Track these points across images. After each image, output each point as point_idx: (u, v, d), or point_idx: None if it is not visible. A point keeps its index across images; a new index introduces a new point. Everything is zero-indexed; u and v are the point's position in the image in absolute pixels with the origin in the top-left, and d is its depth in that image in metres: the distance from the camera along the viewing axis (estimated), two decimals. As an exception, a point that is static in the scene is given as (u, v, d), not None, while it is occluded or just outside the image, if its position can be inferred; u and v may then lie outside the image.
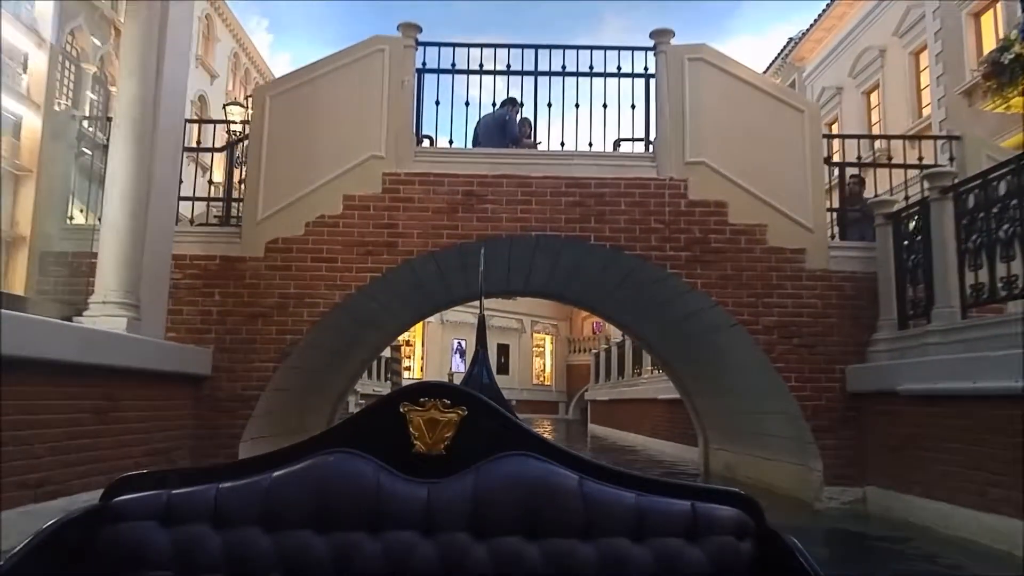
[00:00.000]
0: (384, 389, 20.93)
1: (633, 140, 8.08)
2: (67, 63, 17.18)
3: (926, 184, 6.48)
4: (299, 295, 7.22)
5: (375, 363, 25.02)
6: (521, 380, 39.89)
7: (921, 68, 17.41)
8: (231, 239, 7.35)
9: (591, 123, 7.74)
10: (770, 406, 7.71)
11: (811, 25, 21.72)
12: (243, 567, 1.54)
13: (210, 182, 7.49)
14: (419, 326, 35.48)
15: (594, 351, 27.19)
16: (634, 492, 1.64)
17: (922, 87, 17.33)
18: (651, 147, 7.77)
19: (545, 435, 2.20)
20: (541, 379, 42.63)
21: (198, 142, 7.50)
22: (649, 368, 17.08)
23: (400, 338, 34.92)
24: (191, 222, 7.71)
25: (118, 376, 5.48)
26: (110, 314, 5.74)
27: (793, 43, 22.52)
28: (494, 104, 8.24)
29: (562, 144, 7.80)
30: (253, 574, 1.54)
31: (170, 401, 6.51)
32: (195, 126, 8.52)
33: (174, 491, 1.61)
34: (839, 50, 20.58)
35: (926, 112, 16.64)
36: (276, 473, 1.61)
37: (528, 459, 1.65)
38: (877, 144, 15.17)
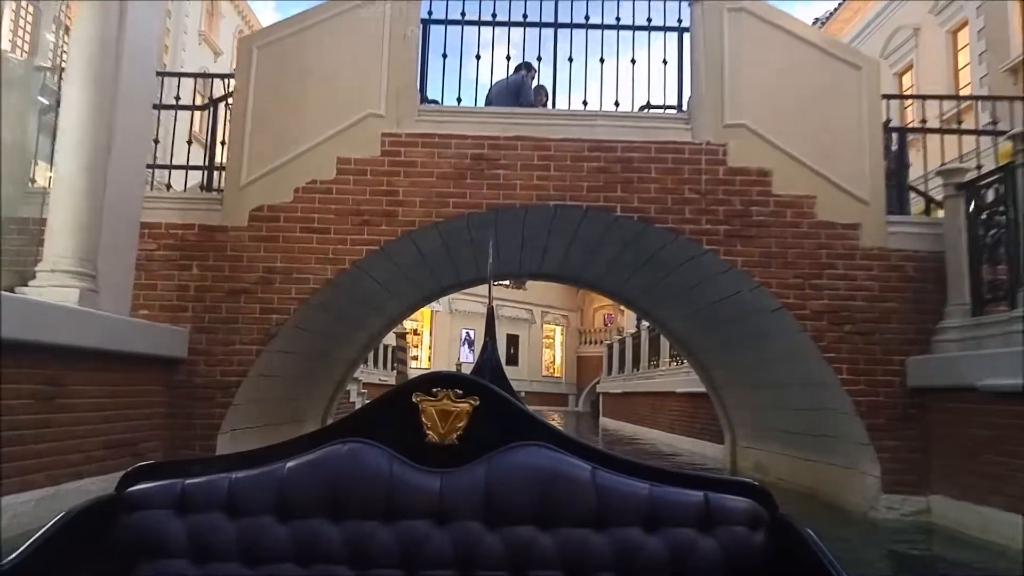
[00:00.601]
0: (390, 378, 20.16)
1: (664, 107, 7.21)
2: (60, 31, 16.40)
3: (1007, 147, 5.60)
4: (286, 269, 6.40)
5: (380, 351, 24.30)
6: (530, 371, 39.14)
7: (960, 47, 16.45)
8: (211, 206, 6.53)
9: (617, 81, 6.88)
10: (816, 401, 6.85)
11: (839, 4, 20.77)
12: (257, 555, 1.57)
13: (189, 142, 6.63)
14: (427, 315, 34.78)
15: (607, 342, 26.35)
16: (647, 482, 1.63)
17: (960, 67, 16.39)
18: (685, 108, 6.89)
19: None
20: (551, 371, 41.87)
21: (177, 98, 6.66)
22: (667, 360, 16.23)
23: (407, 326, 34.20)
24: (168, 187, 6.90)
25: (66, 356, 4.67)
26: (60, 284, 4.93)
27: (820, 24, 21.52)
28: (508, 57, 7.39)
29: (584, 104, 6.93)
30: (267, 562, 1.57)
31: (136, 387, 5.71)
32: (183, 89, 7.65)
33: (188, 480, 1.64)
34: (869, 30, 19.61)
35: (965, 92, 15.66)
36: (290, 462, 1.64)
37: (541, 449, 1.64)
38: (913, 115, 14.20)
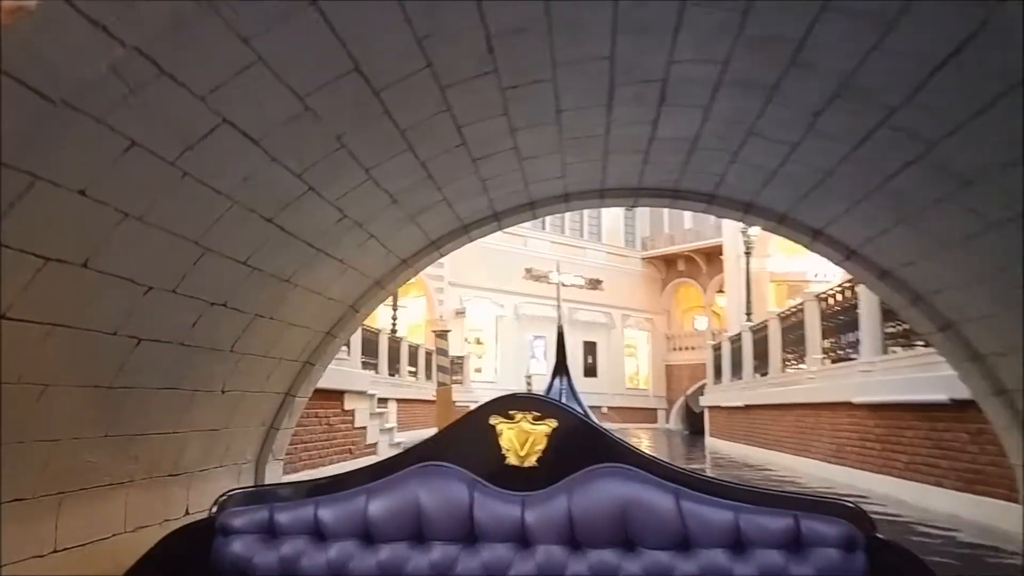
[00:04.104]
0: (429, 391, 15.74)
1: None
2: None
3: None
4: None
5: (430, 359, 20.16)
6: (612, 384, 34.30)
7: None
8: None
9: None
10: None
11: None
12: None
13: None
14: (491, 321, 30.37)
15: (711, 343, 21.32)
16: (733, 503, 1.64)
17: None
18: None
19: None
20: (635, 383, 36.86)
21: None
22: (819, 356, 11.27)
23: (470, 336, 29.82)
24: None
25: None
26: None
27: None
28: None
29: None
30: None
31: None
32: None
33: (277, 506, 1.78)
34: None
35: None
36: (372, 487, 1.76)
37: (622, 471, 1.71)
38: None
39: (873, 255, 5.13)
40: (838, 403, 9.86)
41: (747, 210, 5.38)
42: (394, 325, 19.97)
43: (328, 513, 1.72)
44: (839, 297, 10.53)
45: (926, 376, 7.00)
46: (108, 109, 2.36)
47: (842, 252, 5.27)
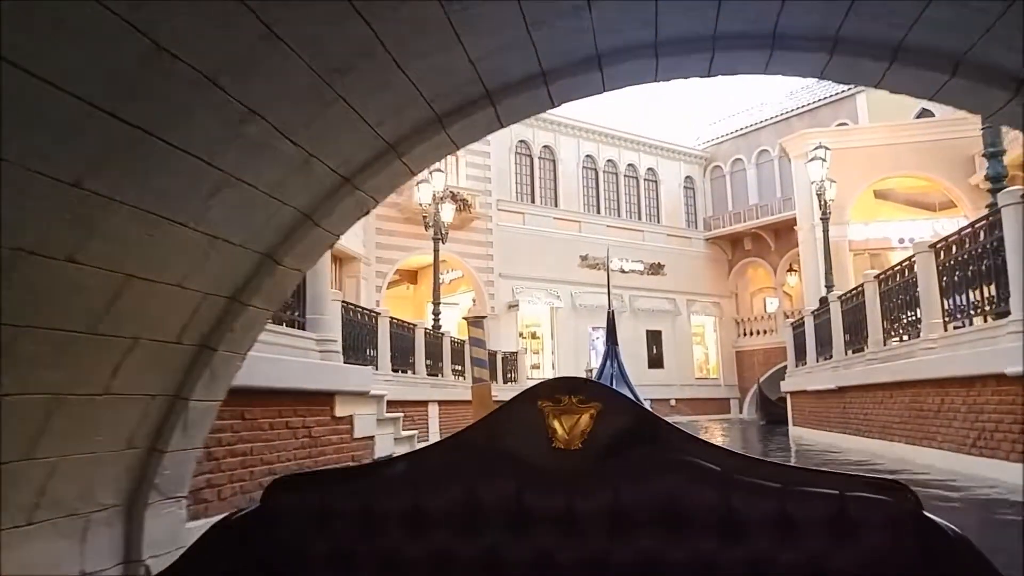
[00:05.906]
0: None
1: None
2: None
3: None
4: None
5: (466, 356, 18.27)
6: (681, 374, 31.98)
7: None
8: None
9: None
10: None
11: None
12: (394, 570, 1.66)
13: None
14: (547, 314, 28.36)
15: (791, 321, 18.85)
16: (779, 483, 1.57)
17: None
18: None
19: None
20: (704, 372, 34.43)
21: None
22: (942, 319, 8.91)
23: (525, 330, 27.89)
24: None
25: None
26: None
27: None
28: None
29: None
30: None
31: None
32: None
33: (326, 493, 1.75)
34: None
35: None
36: (422, 472, 1.75)
37: (667, 453, 1.65)
38: None
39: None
40: (977, 376, 7.52)
41: (894, 58, 3.23)
42: (435, 320, 18.18)
43: (377, 499, 1.68)
44: (967, 243, 8.21)
45: None
46: None
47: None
